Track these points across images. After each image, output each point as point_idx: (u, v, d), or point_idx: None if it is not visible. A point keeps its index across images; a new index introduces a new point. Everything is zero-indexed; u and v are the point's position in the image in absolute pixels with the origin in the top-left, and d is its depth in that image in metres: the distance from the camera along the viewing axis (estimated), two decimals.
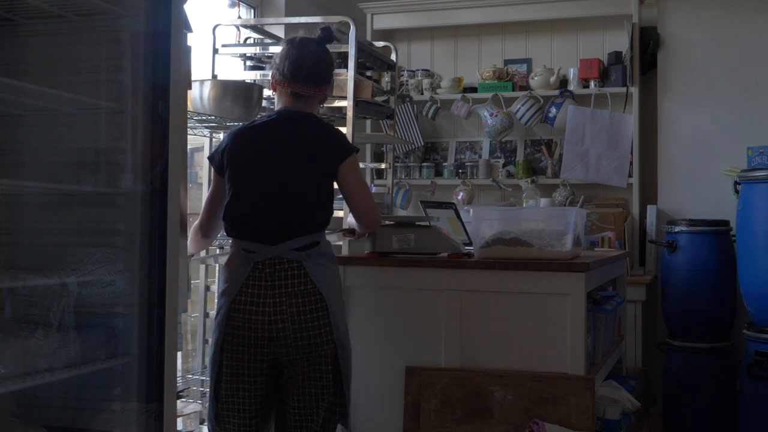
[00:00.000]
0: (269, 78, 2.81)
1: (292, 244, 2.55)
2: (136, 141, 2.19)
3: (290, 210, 2.59)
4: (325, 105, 4.00)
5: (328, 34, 2.79)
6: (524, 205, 4.51)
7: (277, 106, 2.76)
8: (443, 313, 2.85)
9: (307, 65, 2.69)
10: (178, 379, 2.52)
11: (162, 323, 2.17)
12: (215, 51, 4.04)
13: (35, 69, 2.26)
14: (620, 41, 4.96)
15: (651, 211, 4.75)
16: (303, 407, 2.58)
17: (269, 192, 2.60)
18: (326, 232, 2.74)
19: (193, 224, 2.87)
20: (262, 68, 4.14)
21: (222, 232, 2.80)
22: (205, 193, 3.89)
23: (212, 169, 2.79)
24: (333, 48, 3.93)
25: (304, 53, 2.70)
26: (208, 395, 2.72)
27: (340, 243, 3.84)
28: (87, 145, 2.26)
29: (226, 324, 2.57)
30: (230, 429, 2.59)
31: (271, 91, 2.83)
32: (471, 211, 3.00)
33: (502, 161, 5.18)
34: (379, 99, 4.26)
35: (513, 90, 5.10)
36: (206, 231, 2.82)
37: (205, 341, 3.85)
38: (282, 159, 2.61)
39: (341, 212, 3.86)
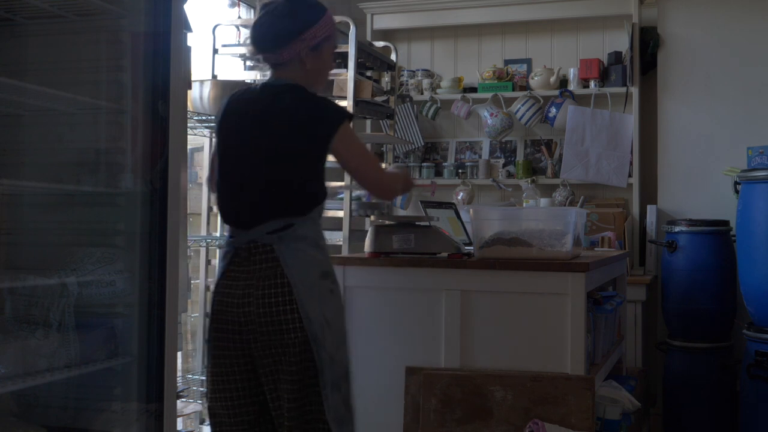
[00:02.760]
0: None
1: (266, 227, 2.39)
2: (136, 141, 2.19)
3: (264, 193, 2.42)
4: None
5: None
6: (524, 205, 4.51)
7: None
8: (443, 313, 2.85)
9: (257, 30, 2.49)
10: (178, 379, 2.52)
11: (162, 323, 2.17)
12: (215, 51, 4.04)
13: (35, 69, 2.26)
14: (620, 41, 4.95)
15: (651, 211, 4.75)
16: (274, 406, 2.40)
17: (243, 175, 2.45)
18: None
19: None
20: (262, 68, 4.14)
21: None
22: (205, 194, 3.91)
23: None
24: None
25: (259, 16, 2.51)
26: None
27: (340, 243, 3.84)
28: (87, 145, 2.26)
29: (210, 309, 2.49)
30: (221, 419, 2.47)
31: None
32: (471, 211, 3.00)
33: (502, 161, 5.18)
34: (379, 99, 4.26)
35: (513, 90, 5.09)
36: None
37: (205, 341, 3.85)
38: (256, 139, 2.44)
39: (341, 212, 3.87)
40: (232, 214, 2.48)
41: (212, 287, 2.55)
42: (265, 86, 2.50)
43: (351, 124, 2.48)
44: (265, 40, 2.48)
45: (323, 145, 2.44)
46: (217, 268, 2.57)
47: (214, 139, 2.68)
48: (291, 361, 2.34)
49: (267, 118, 2.44)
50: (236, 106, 2.51)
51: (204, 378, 3.64)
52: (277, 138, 2.42)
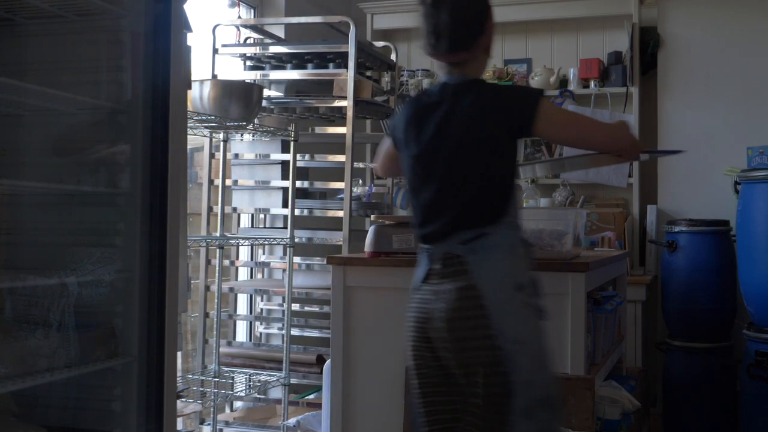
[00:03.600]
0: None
1: (459, 237, 2.22)
2: (135, 141, 2.19)
3: (458, 200, 2.26)
4: (325, 105, 4.01)
5: None
6: (524, 205, 4.51)
7: (438, 75, 2.46)
8: None
9: (446, 30, 2.29)
10: (178, 379, 2.52)
11: (162, 323, 2.17)
12: (215, 51, 4.04)
13: (35, 69, 2.26)
14: (620, 41, 4.95)
15: (651, 211, 4.75)
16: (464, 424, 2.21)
17: (437, 183, 2.28)
18: None
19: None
20: (262, 68, 4.14)
21: None
22: (206, 194, 3.91)
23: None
24: (333, 48, 3.94)
25: (439, 14, 2.30)
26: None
27: (340, 243, 3.84)
28: (87, 145, 2.25)
29: (407, 326, 2.32)
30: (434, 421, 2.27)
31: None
32: None
33: None
34: (379, 99, 4.26)
35: None
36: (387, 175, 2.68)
37: (205, 341, 3.85)
38: (449, 144, 2.27)
39: (341, 212, 3.87)
40: (427, 226, 2.31)
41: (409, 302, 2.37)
42: (446, 86, 2.34)
43: (546, 100, 2.29)
44: (455, 40, 2.31)
45: (523, 133, 2.29)
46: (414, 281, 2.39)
47: (390, 146, 2.51)
48: (478, 381, 2.16)
49: (460, 119, 2.28)
50: (419, 113, 2.35)
51: (204, 378, 3.64)
52: (468, 138, 2.27)
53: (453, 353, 2.19)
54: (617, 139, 2.36)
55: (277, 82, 4.18)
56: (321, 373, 3.50)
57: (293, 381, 3.82)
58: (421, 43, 2.38)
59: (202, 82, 3.40)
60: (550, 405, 2.19)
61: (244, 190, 4.11)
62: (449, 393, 2.25)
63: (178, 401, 2.74)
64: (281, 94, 4.23)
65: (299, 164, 3.90)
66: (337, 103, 3.91)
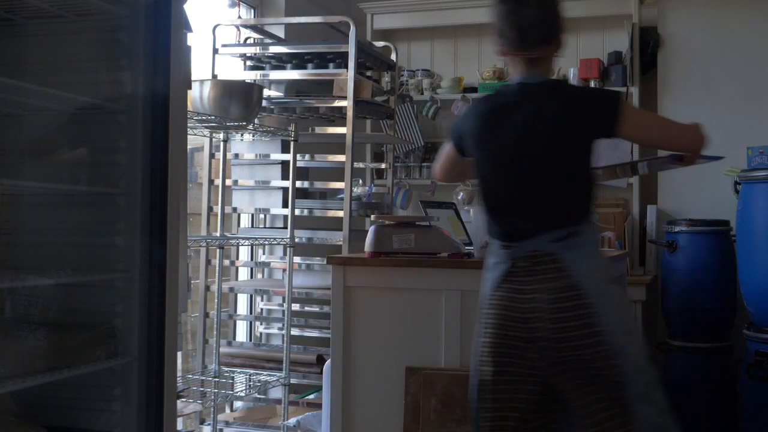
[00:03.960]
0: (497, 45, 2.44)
1: (549, 236, 2.25)
2: (136, 141, 2.19)
3: (545, 199, 2.30)
4: (325, 105, 4.01)
5: None
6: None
7: (511, 74, 2.48)
8: (443, 313, 2.85)
9: (531, 25, 2.36)
10: (178, 379, 2.52)
11: (162, 323, 2.17)
12: (215, 51, 4.04)
13: (35, 69, 2.26)
14: (620, 41, 4.95)
15: (651, 211, 4.75)
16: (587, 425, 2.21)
17: (522, 182, 2.31)
18: None
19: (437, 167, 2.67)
20: (262, 68, 4.14)
21: None
22: (206, 194, 3.91)
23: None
24: (333, 48, 3.94)
25: (523, 9, 2.36)
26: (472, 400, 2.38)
27: (340, 243, 3.84)
28: (87, 145, 2.26)
29: (485, 325, 2.31)
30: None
31: (502, 59, 2.55)
32: (471, 211, 3.00)
33: None
34: (379, 99, 4.26)
35: None
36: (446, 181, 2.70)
37: (205, 341, 3.85)
38: (532, 143, 2.30)
39: (341, 212, 3.87)
40: (509, 224, 2.32)
41: (485, 301, 2.36)
42: (523, 86, 2.37)
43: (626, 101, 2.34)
44: (540, 34, 2.38)
45: (606, 135, 2.32)
46: (485, 275, 2.39)
47: (452, 150, 2.54)
48: (592, 375, 2.18)
49: (547, 119, 2.31)
50: (497, 113, 2.37)
51: (204, 378, 3.64)
52: (557, 138, 2.30)
53: (557, 352, 2.20)
54: (695, 139, 2.45)
55: (277, 82, 4.18)
56: (321, 373, 3.50)
57: (293, 381, 3.82)
58: (496, 41, 2.41)
59: (202, 82, 3.40)
60: (657, 384, 2.27)
61: (244, 190, 4.11)
62: (526, 392, 2.26)
63: (178, 401, 2.74)
64: (281, 94, 4.23)
65: (299, 164, 3.90)
66: (337, 103, 3.91)
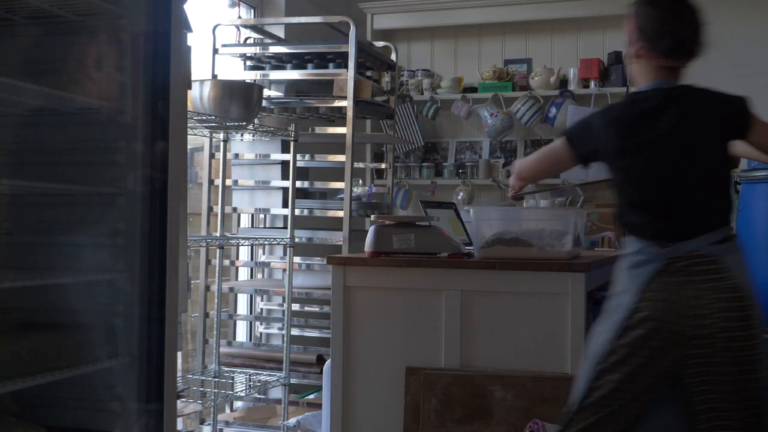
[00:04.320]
0: (632, 47, 2.49)
1: (709, 237, 2.33)
2: (136, 141, 2.19)
3: (705, 201, 2.38)
4: (325, 105, 4.02)
5: None
6: (524, 205, 4.51)
7: (639, 79, 2.51)
8: (443, 313, 2.85)
9: (690, 35, 2.46)
10: (178, 379, 2.52)
11: (162, 323, 2.17)
12: (215, 51, 4.04)
13: (35, 69, 2.26)
14: (620, 41, 4.91)
15: None
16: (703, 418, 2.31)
17: (681, 185, 2.38)
18: None
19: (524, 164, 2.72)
20: (262, 68, 4.14)
21: None
22: (206, 194, 3.91)
23: (567, 142, 2.57)
24: (333, 48, 3.94)
25: (683, 19, 2.46)
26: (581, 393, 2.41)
27: (340, 243, 3.84)
28: (87, 144, 2.25)
29: (630, 318, 2.35)
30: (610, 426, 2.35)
31: (632, 59, 2.53)
32: (471, 211, 3.00)
33: (502, 161, 5.18)
34: (379, 99, 4.26)
35: (513, 90, 5.09)
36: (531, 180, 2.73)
37: (205, 341, 3.85)
38: (688, 147, 2.37)
39: (341, 212, 3.87)
40: (666, 225, 2.38)
41: (620, 295, 2.42)
42: (662, 91, 2.43)
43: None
44: (697, 46, 2.49)
45: (739, 138, 2.42)
46: (623, 275, 2.45)
47: (565, 155, 2.60)
48: (750, 374, 2.29)
49: (695, 122, 2.39)
50: (639, 120, 2.41)
51: (204, 378, 3.64)
52: (705, 141, 2.39)
53: (722, 352, 2.27)
54: None
55: (277, 82, 4.18)
56: (321, 373, 3.50)
57: (293, 381, 3.82)
58: (640, 44, 2.44)
59: (202, 82, 3.40)
60: None
61: (244, 190, 4.11)
62: (656, 386, 2.34)
63: (178, 401, 2.74)
64: (281, 94, 4.23)
65: (299, 164, 3.89)
66: (337, 103, 3.91)
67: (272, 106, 4.13)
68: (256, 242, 3.90)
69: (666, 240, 2.37)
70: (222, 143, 3.86)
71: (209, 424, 3.71)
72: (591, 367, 2.39)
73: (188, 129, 2.99)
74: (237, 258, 4.40)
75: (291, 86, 4.17)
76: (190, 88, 3.04)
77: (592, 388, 2.37)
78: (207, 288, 3.91)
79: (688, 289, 2.31)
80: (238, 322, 4.55)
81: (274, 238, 3.80)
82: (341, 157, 3.93)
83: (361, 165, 4.82)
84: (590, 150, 2.52)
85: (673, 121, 2.39)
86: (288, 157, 3.79)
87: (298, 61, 4.03)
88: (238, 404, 4.26)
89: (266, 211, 4.06)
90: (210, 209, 3.91)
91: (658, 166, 2.41)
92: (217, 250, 3.78)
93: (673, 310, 2.32)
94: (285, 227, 3.98)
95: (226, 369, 3.83)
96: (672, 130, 2.39)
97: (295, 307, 4.15)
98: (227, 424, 3.88)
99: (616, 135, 2.45)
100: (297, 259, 3.91)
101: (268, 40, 4.33)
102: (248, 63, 4.13)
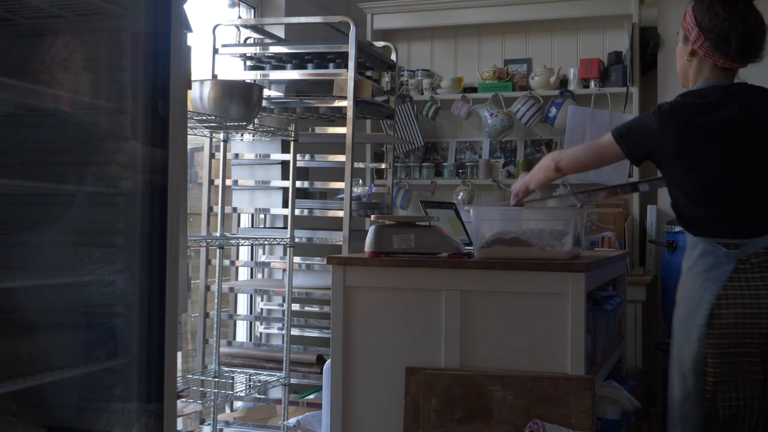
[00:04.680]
0: (689, 45, 2.59)
1: None
2: (136, 141, 2.19)
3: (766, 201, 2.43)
4: (325, 105, 4.02)
5: None
6: (524, 205, 4.51)
7: (696, 78, 2.60)
8: (443, 313, 2.85)
9: (756, 36, 2.45)
10: (178, 379, 2.52)
11: (162, 323, 2.17)
12: (215, 51, 4.04)
13: (35, 69, 2.26)
14: (620, 41, 4.95)
15: (651, 211, 4.75)
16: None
17: (742, 180, 2.43)
18: None
19: (558, 158, 2.77)
20: (262, 68, 4.14)
21: None
22: (206, 194, 3.91)
23: (620, 141, 2.58)
24: (333, 48, 3.94)
25: (749, 20, 2.45)
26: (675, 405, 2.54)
27: (340, 243, 3.84)
28: (87, 145, 2.25)
29: (709, 325, 2.42)
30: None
31: (687, 56, 2.64)
32: (471, 211, 3.00)
33: (502, 161, 5.18)
34: (379, 99, 4.26)
35: (513, 90, 5.09)
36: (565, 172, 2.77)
37: (205, 341, 3.85)
38: (741, 140, 2.43)
39: (341, 212, 3.87)
40: (734, 225, 2.42)
41: (693, 296, 2.51)
42: (719, 89, 2.48)
43: None
44: (761, 47, 2.47)
45: None
46: (693, 277, 2.56)
47: (614, 153, 2.64)
48: None
49: (750, 122, 2.44)
50: (697, 117, 2.47)
51: (204, 378, 3.64)
52: (764, 140, 2.43)
53: None
54: None
55: (277, 82, 4.18)
56: (321, 373, 3.50)
57: (293, 381, 3.82)
58: (703, 43, 2.50)
59: (202, 82, 3.40)
60: None
61: (244, 190, 4.11)
62: (756, 387, 2.40)
63: (178, 401, 2.74)
64: (281, 94, 4.23)
65: (299, 164, 3.90)
66: (337, 103, 3.91)
67: (272, 106, 4.13)
68: (256, 242, 3.90)
69: (736, 237, 2.40)
70: (222, 143, 3.86)
71: (209, 424, 3.71)
72: (679, 379, 2.46)
73: (188, 129, 2.99)
74: (237, 258, 4.40)
75: (291, 86, 4.17)
76: (190, 88, 3.05)
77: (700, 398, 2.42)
78: (207, 288, 3.91)
79: (757, 289, 2.36)
80: (238, 322, 4.55)
81: (274, 238, 3.80)
82: (341, 157, 3.93)
83: (361, 165, 4.82)
84: (643, 151, 2.55)
85: (735, 115, 2.41)
86: (288, 157, 3.79)
87: (298, 61, 4.03)
88: (238, 404, 4.26)
89: (266, 211, 4.06)
90: (210, 209, 3.91)
91: (722, 162, 2.42)
92: (217, 250, 3.78)
93: (746, 314, 2.35)
94: (285, 227, 3.98)
95: (226, 369, 3.83)
96: (734, 124, 2.41)
97: (295, 307, 4.14)
98: (227, 424, 3.88)
99: (675, 132, 2.47)
100: (297, 259, 3.91)
101: (268, 40, 4.33)
102: (248, 63, 4.13)
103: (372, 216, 3.83)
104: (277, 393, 3.98)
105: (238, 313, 4.57)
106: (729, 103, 2.44)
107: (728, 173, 2.43)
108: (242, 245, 4.26)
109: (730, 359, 2.39)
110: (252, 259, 4.45)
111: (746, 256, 2.38)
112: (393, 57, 4.45)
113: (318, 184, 4.12)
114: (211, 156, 3.92)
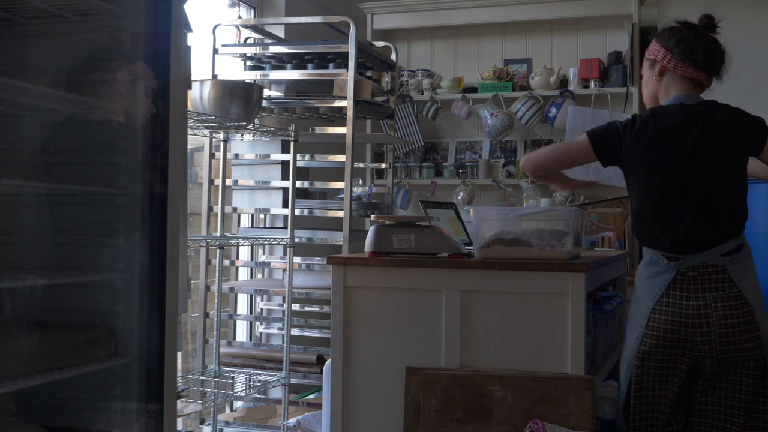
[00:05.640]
0: (656, 66, 2.70)
1: (719, 249, 2.55)
2: (136, 141, 2.19)
3: (717, 214, 2.57)
4: (326, 105, 4.02)
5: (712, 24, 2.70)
6: (524, 205, 4.51)
7: (663, 95, 2.70)
8: (443, 313, 2.85)
9: (721, 51, 2.65)
10: (178, 379, 2.52)
11: (162, 323, 2.17)
12: (215, 51, 4.04)
13: (35, 69, 2.26)
14: (620, 41, 4.95)
15: None
16: (717, 414, 2.58)
17: (693, 198, 2.56)
18: None
19: (535, 156, 2.84)
20: (262, 68, 4.14)
21: None
22: (206, 194, 3.91)
23: (592, 143, 2.68)
24: (333, 48, 3.94)
25: (709, 40, 2.65)
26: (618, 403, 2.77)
27: (340, 243, 3.84)
28: (87, 144, 2.25)
29: (645, 328, 2.60)
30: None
31: (656, 77, 2.73)
32: (471, 211, 2.99)
33: (502, 161, 5.18)
34: (379, 99, 4.26)
35: (513, 90, 5.10)
36: (541, 175, 2.85)
37: (205, 341, 3.85)
38: (704, 160, 2.55)
39: (341, 212, 3.87)
40: (679, 237, 2.55)
41: (637, 302, 2.66)
42: (685, 107, 2.61)
43: None
44: (725, 61, 2.66)
45: (755, 154, 2.59)
46: (641, 281, 2.68)
47: (586, 156, 2.76)
48: (749, 374, 2.53)
49: (715, 136, 2.55)
50: (664, 133, 2.57)
51: (204, 378, 3.64)
52: (724, 157, 2.55)
53: (723, 354, 2.50)
54: None
55: (277, 82, 4.18)
56: (321, 373, 3.50)
57: (293, 381, 3.82)
58: (672, 57, 2.65)
59: (202, 82, 3.40)
60: None
61: (244, 190, 4.11)
62: (677, 391, 2.60)
63: (178, 401, 2.74)
64: (281, 94, 4.23)
65: (299, 164, 3.90)
66: (337, 103, 3.91)
67: (272, 106, 4.13)
68: (256, 242, 3.90)
69: (679, 252, 2.55)
70: (222, 143, 3.86)
71: (209, 424, 3.71)
72: (625, 370, 2.66)
73: (188, 129, 2.99)
74: (237, 258, 4.40)
75: (291, 86, 4.17)
76: (190, 88, 3.05)
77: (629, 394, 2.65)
78: (207, 288, 3.91)
79: (692, 300, 2.51)
80: (238, 322, 4.55)
81: (274, 238, 3.80)
82: (341, 157, 3.93)
83: (361, 165, 4.82)
84: (613, 156, 2.66)
85: (697, 136, 2.53)
86: (288, 157, 3.79)
87: (298, 61, 4.03)
88: (238, 404, 4.26)
89: (266, 211, 4.06)
90: (210, 209, 3.91)
91: (678, 181, 2.55)
92: (217, 250, 3.78)
93: (676, 322, 2.52)
94: (285, 227, 3.98)
95: (226, 369, 3.83)
96: (695, 145, 2.53)
97: (295, 307, 4.15)
98: (227, 424, 3.88)
99: (640, 149, 2.58)
100: (297, 259, 3.91)
101: (268, 40, 4.33)
102: (248, 63, 4.13)
103: (372, 216, 3.83)
104: (277, 393, 3.98)
105: (238, 313, 4.57)
106: (692, 124, 2.56)
107: (679, 194, 2.56)
108: (242, 245, 4.26)
109: (654, 363, 2.59)
110: (252, 259, 4.45)
111: (684, 268, 2.54)
112: (393, 57, 4.45)
113: (318, 184, 4.12)
114: (211, 156, 3.92)
